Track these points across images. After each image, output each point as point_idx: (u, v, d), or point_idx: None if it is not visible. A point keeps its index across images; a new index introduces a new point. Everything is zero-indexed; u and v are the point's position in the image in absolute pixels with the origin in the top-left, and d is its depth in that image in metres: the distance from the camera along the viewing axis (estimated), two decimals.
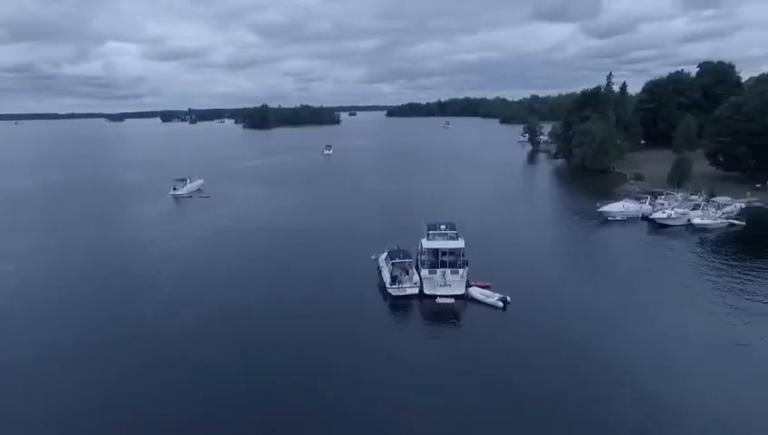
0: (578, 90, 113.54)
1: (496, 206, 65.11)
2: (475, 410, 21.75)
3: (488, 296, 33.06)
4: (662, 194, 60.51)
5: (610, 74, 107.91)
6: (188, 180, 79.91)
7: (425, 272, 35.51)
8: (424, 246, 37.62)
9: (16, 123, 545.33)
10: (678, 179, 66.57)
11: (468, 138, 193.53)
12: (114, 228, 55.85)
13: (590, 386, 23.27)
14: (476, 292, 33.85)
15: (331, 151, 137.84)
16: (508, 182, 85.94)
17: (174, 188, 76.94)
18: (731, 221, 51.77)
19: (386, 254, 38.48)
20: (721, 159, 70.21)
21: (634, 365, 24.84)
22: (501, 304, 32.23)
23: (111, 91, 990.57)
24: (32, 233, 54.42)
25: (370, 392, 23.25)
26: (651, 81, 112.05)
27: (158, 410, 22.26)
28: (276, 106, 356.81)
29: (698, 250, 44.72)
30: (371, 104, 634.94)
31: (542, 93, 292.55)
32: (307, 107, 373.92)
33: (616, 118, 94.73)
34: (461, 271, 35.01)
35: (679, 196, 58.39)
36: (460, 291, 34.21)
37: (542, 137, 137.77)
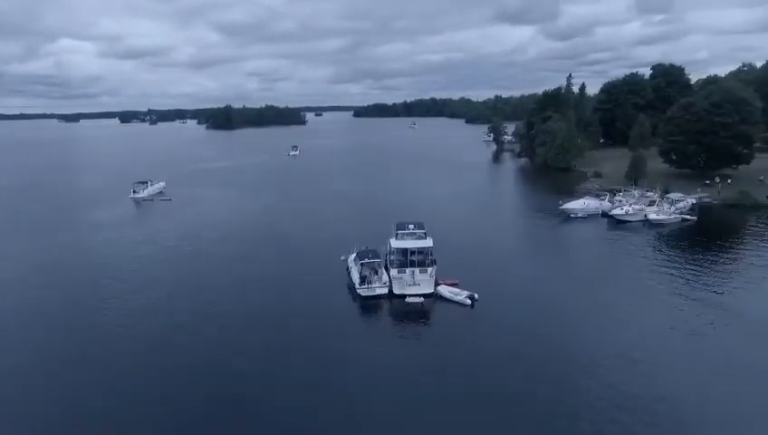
0: (539, 90, 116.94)
1: (463, 205, 66.09)
2: (441, 409, 22.01)
3: (456, 294, 33.54)
4: (620, 191, 62.89)
5: (570, 76, 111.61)
6: (149, 183, 77.44)
7: (394, 271, 35.68)
8: (392, 245, 37.81)
9: None
10: (635, 177, 69.40)
11: (435, 138, 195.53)
12: (68, 235, 53.19)
13: (556, 380, 23.90)
14: (445, 290, 34.28)
15: (297, 152, 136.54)
16: (474, 181, 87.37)
17: (134, 191, 74.41)
18: (683, 216, 54.32)
19: (355, 254, 38.46)
20: (673, 157, 73.50)
21: (597, 357, 25.70)
22: (469, 301, 32.75)
23: (65, 91, 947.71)
24: None
25: (338, 394, 23.17)
26: (608, 82, 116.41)
27: (120, 419, 21.52)
28: (241, 106, 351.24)
29: (654, 245, 46.74)
30: (338, 105, 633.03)
31: (505, 94, 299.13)
32: (272, 107, 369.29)
33: (576, 118, 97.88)
34: (429, 270, 35.38)
35: (636, 193, 60.83)
36: (429, 290, 34.56)
37: (506, 136, 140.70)
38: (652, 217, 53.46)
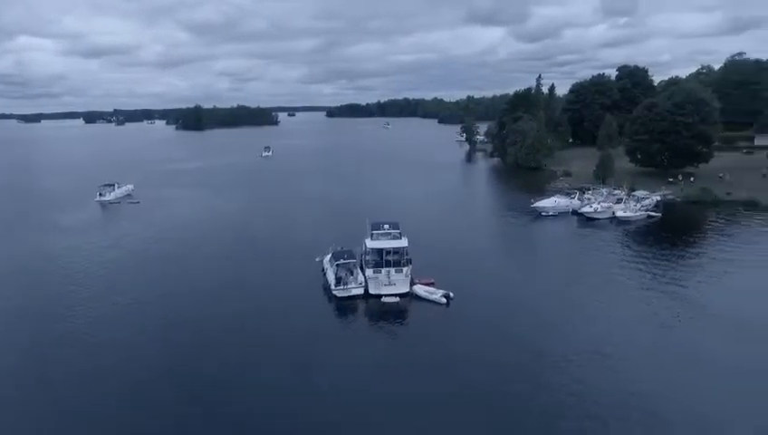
0: (511, 91, 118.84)
1: (437, 204, 66.58)
2: (418, 408, 22.09)
3: (432, 293, 33.75)
4: (589, 189, 64.56)
5: (540, 77, 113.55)
6: (116, 185, 75.18)
7: (369, 272, 35.64)
8: (368, 246, 37.79)
9: None
10: (603, 175, 71.37)
11: (408, 138, 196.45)
12: (30, 241, 51.15)
13: (530, 377, 24.30)
14: (420, 289, 34.45)
15: (270, 153, 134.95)
16: (448, 181, 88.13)
17: (100, 194, 72.11)
18: (649, 213, 56.14)
19: (330, 255, 38.26)
20: (639, 156, 75.88)
21: (569, 353, 26.25)
22: (444, 300, 33.01)
23: (25, 91, 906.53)
24: None
25: (314, 396, 23.00)
26: (576, 83, 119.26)
27: (89, 428, 20.81)
28: (211, 106, 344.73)
29: (622, 241, 48.12)
30: (311, 105, 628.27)
31: (477, 94, 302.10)
32: (244, 107, 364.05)
33: (546, 118, 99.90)
34: (405, 269, 35.48)
35: (604, 191, 62.52)
36: (405, 289, 34.67)
37: (478, 136, 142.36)
38: (619, 214, 55.05)
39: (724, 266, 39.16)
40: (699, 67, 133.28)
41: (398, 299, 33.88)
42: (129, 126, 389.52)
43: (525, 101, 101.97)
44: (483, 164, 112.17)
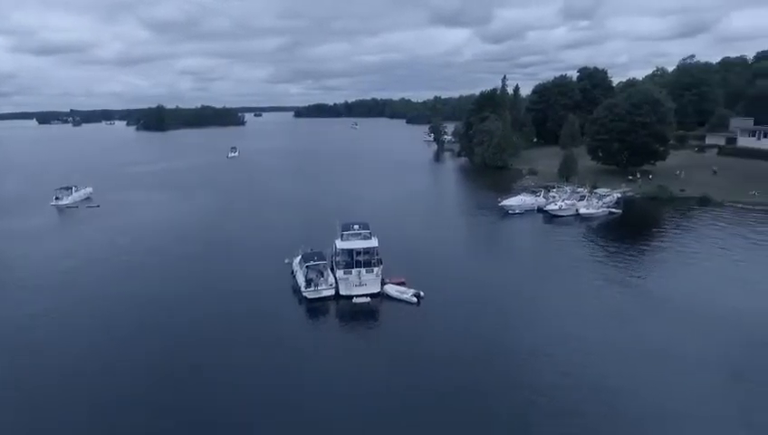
0: (477, 91, 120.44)
1: (407, 203, 66.97)
2: (390, 408, 22.21)
3: (403, 293, 33.95)
4: (553, 187, 66.30)
5: (504, 77, 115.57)
6: (74, 189, 72.22)
7: (340, 273, 35.54)
8: (338, 246, 37.67)
9: None
10: (566, 174, 73.48)
11: (376, 138, 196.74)
12: None
13: (500, 373, 24.79)
14: (391, 289, 34.60)
15: (236, 154, 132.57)
16: (417, 180, 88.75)
17: (56, 198, 69.09)
18: (610, 210, 58.15)
19: (300, 257, 37.91)
20: (600, 155, 78.36)
21: (538, 348, 26.89)
22: (415, 299, 33.25)
23: None
24: None
25: (286, 401, 22.78)
26: (539, 84, 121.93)
27: None
28: (174, 106, 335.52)
29: (586, 237, 49.64)
30: (278, 105, 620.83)
31: (444, 94, 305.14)
32: (209, 107, 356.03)
33: (511, 118, 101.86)
34: (376, 270, 35.55)
35: (568, 189, 64.32)
36: (376, 289, 34.74)
37: (446, 136, 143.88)
38: (582, 211, 56.81)
39: (681, 258, 41.01)
40: (654, 69, 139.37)
41: (369, 299, 33.91)
42: (87, 127, 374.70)
43: (491, 102, 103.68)
44: (451, 163, 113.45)
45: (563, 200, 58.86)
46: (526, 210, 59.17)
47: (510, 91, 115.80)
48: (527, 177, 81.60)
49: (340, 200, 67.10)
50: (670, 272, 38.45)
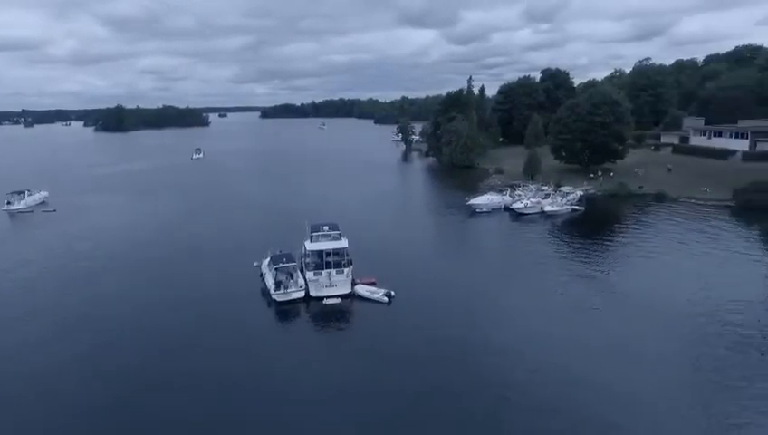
0: (443, 92, 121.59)
1: (376, 204, 67.07)
2: (359, 410, 22.22)
3: (374, 293, 33.99)
4: (519, 186, 67.78)
5: (470, 78, 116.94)
6: (27, 192, 68.89)
7: (310, 274, 35.27)
8: (307, 248, 37.36)
9: None
10: (531, 173, 75.30)
11: (345, 138, 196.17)
12: None
13: (470, 370, 25.12)
14: (362, 289, 34.58)
15: (201, 155, 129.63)
16: (386, 180, 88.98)
17: (8, 203, 65.79)
18: (573, 207, 59.91)
19: (268, 259, 37.40)
20: (563, 154, 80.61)
21: (508, 343, 27.45)
22: (386, 298, 33.34)
23: None
24: None
25: (256, 407, 22.46)
26: (505, 84, 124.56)
27: None
28: (135, 107, 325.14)
29: (551, 234, 50.99)
30: (244, 105, 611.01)
31: (411, 95, 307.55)
32: (171, 107, 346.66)
33: (477, 118, 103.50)
34: (346, 270, 35.46)
35: (533, 187, 65.88)
36: (346, 290, 34.63)
37: (414, 136, 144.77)
38: (547, 208, 58.29)
39: (641, 254, 42.63)
40: (613, 71, 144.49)
41: (340, 300, 33.78)
42: (40, 128, 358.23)
43: (458, 102, 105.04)
44: (419, 163, 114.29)
45: (529, 199, 60.21)
46: (493, 209, 60.24)
47: (476, 91, 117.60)
48: (493, 176, 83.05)
49: (308, 201, 66.58)
50: (631, 266, 39.93)
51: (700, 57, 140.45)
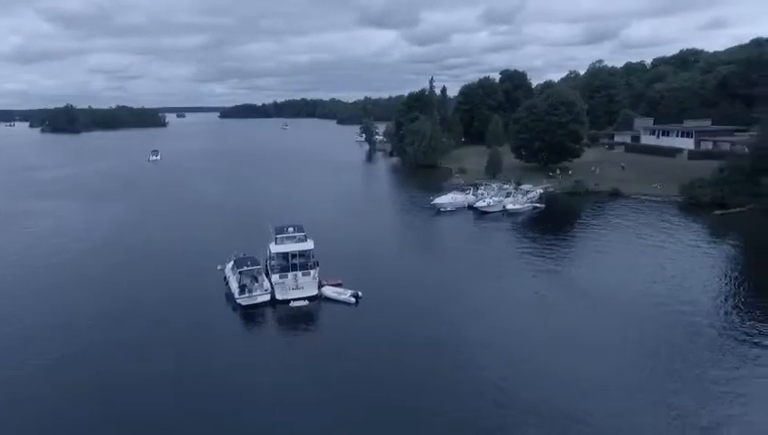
0: (405, 92, 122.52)
1: (341, 204, 66.77)
2: (330, 412, 22.08)
3: (341, 294, 33.81)
4: (482, 185, 69.07)
5: (432, 79, 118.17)
6: None
7: (275, 277, 34.74)
8: (272, 250, 36.78)
9: None
10: (493, 172, 76.92)
11: (308, 139, 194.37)
12: None
13: (439, 368, 25.37)
14: (329, 291, 34.34)
15: (158, 157, 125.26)
16: (350, 181, 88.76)
17: None
18: (534, 205, 61.58)
19: (232, 263, 36.56)
20: (523, 153, 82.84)
21: (476, 339, 27.88)
22: (353, 299, 33.23)
23: None
24: None
25: (220, 413, 21.93)
26: (465, 85, 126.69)
27: None
28: (86, 107, 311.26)
29: (514, 231, 52.24)
30: (202, 105, 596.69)
31: (374, 95, 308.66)
32: (125, 108, 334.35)
33: (440, 118, 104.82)
34: (312, 272, 35.12)
35: (495, 186, 67.26)
36: (313, 292, 34.29)
37: (377, 136, 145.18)
38: (509, 207, 59.66)
39: (598, 248, 44.32)
40: (568, 72, 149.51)
41: (306, 303, 33.41)
42: None
43: (420, 102, 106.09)
44: (383, 163, 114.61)
45: (491, 197, 61.45)
46: (457, 208, 61.10)
47: (438, 92, 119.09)
48: (456, 175, 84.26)
49: (272, 203, 65.55)
50: (591, 261, 41.41)
51: (648, 60, 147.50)
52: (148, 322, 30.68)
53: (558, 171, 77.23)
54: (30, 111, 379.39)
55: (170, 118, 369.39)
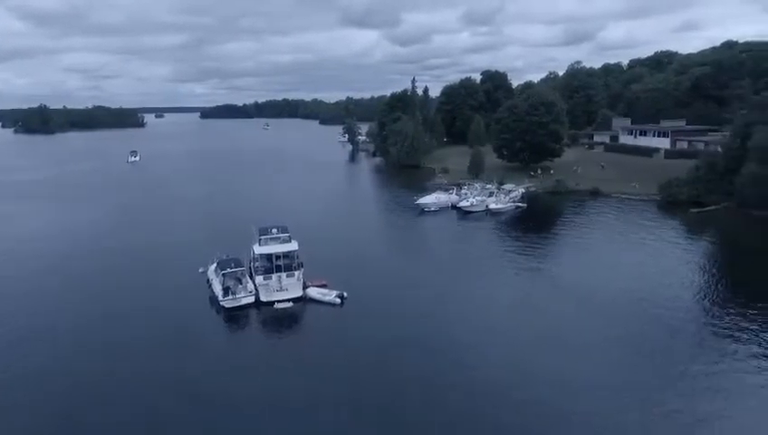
0: (388, 92, 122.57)
1: (325, 205, 66.42)
2: (317, 416, 21.92)
3: (326, 295, 33.61)
4: (465, 185, 69.44)
5: (414, 79, 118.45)
6: None
7: (259, 279, 34.37)
8: (256, 252, 36.39)
9: None
10: (476, 171, 77.41)
11: (290, 139, 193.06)
12: None
13: (426, 368, 25.39)
14: (314, 292, 34.11)
15: (137, 158, 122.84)
16: (334, 181, 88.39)
17: None
18: (516, 204, 62.20)
19: (215, 265, 36.04)
20: (505, 153, 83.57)
21: (461, 339, 27.98)
22: (338, 300, 33.06)
23: None
24: None
25: (206, 419, 21.58)
26: (447, 85, 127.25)
27: None
28: (61, 107, 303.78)
29: (497, 230, 52.67)
30: (182, 105, 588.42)
31: (356, 95, 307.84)
32: (102, 108, 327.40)
33: (422, 118, 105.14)
34: (297, 273, 34.84)
35: (478, 186, 67.70)
36: (298, 293, 34.02)
37: (360, 137, 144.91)
38: (492, 206, 60.15)
39: (580, 246, 45.03)
40: (548, 73, 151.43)
41: (291, 304, 33.13)
42: None
43: (402, 103, 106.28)
44: (366, 163, 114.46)
45: (474, 197, 61.86)
46: (441, 208, 61.34)
47: (420, 92, 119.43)
48: (439, 175, 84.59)
49: (256, 204, 64.91)
50: (573, 258, 42.00)
51: (624, 61, 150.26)
52: (128, 327, 30.00)
53: (539, 171, 78.14)
54: (2, 111, 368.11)
55: (149, 118, 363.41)
